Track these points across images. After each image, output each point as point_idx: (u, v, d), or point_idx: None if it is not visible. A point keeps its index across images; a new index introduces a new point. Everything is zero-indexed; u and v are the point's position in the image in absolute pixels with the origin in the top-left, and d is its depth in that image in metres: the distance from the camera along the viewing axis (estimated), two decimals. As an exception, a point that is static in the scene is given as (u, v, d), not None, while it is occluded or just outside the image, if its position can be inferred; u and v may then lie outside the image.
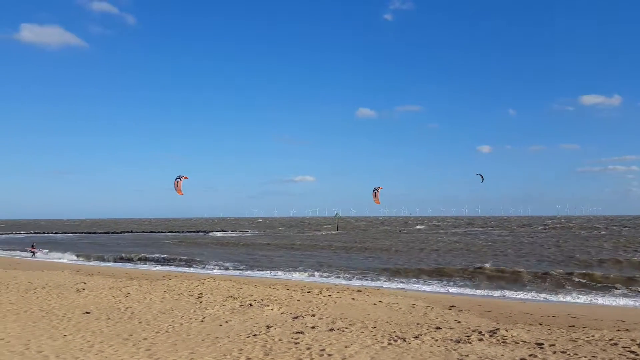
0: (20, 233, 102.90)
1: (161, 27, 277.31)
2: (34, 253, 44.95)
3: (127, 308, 15.58)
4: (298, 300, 17.68)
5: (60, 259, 42.42)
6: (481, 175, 57.97)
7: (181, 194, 42.67)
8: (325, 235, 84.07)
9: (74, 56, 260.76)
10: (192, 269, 34.20)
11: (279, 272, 30.53)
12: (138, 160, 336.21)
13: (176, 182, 42.57)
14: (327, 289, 21.02)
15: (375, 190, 59.57)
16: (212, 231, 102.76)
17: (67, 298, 17.57)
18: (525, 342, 11.28)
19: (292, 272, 30.30)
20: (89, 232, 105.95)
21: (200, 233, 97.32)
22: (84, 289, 19.83)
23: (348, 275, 28.61)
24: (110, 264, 38.49)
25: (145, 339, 11.45)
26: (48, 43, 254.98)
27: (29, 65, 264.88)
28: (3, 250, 53.62)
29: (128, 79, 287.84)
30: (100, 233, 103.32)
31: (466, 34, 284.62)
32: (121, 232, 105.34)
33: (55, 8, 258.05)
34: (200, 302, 16.78)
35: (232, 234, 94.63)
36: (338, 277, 27.99)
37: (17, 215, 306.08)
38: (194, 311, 15.13)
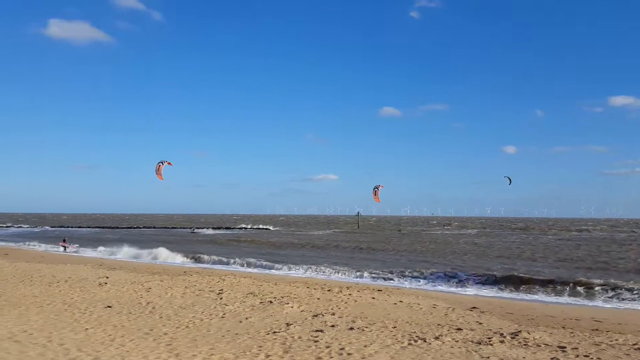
0: (44, 227, 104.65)
1: (187, 24, 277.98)
2: (65, 247, 45.52)
3: (148, 303, 15.72)
4: (318, 299, 17.67)
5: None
6: (509, 178, 57.56)
7: (161, 179, 41.25)
8: (345, 233, 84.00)
9: (101, 52, 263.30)
10: (216, 265, 34.37)
11: (299, 270, 30.54)
12: (162, 156, 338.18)
13: (157, 166, 41.05)
14: (347, 288, 20.98)
15: (376, 188, 58.54)
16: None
17: (89, 292, 17.79)
18: (547, 345, 11.12)
19: (312, 270, 30.28)
20: (113, 227, 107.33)
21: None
22: (106, 283, 20.06)
23: (368, 275, 28.48)
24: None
25: (165, 333, 11.53)
26: (75, 38, 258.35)
27: (57, 60, 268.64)
28: (30, 243, 54.52)
29: (154, 76, 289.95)
30: (123, 228, 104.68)
31: (493, 32, 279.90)
32: (143, 227, 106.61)
33: (82, 3, 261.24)
34: (221, 299, 16.86)
35: (254, 231, 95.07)
36: (358, 276, 27.90)
37: (39, 209, 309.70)
38: (215, 307, 15.20)
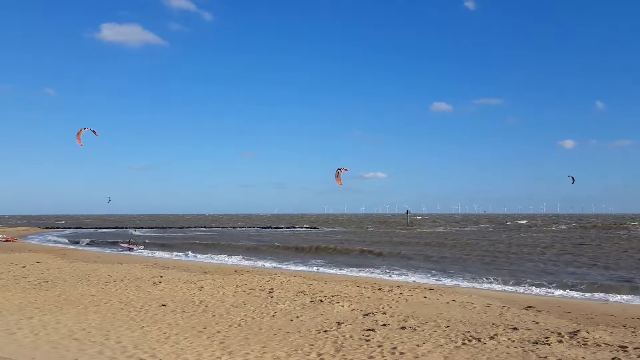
0: (100, 229, 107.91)
1: (238, 24, 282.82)
2: (130, 249, 46.69)
3: (201, 301, 15.98)
4: (368, 298, 17.57)
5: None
6: (572, 177, 56.73)
7: (81, 145, 40.12)
8: (394, 232, 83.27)
9: (154, 54, 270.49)
10: (262, 262, 34.52)
11: (348, 269, 30.40)
12: (212, 156, 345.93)
13: (79, 131, 40.44)
14: (398, 287, 20.79)
15: (339, 170, 55.84)
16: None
17: (144, 290, 18.22)
18: (607, 344, 10.73)
19: (362, 269, 30.11)
20: (165, 227, 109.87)
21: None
22: (160, 282, 20.51)
23: (419, 274, 28.10)
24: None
25: (218, 332, 11.69)
26: (129, 42, 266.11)
27: (112, 63, 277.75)
28: (85, 244, 56.27)
29: (205, 77, 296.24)
30: (176, 228, 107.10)
31: (550, 23, 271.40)
32: (188, 227, 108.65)
33: (134, 6, 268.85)
34: (272, 297, 16.97)
35: (305, 230, 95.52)
36: (408, 275, 27.55)
37: (93, 211, 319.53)
38: (266, 306, 15.32)
